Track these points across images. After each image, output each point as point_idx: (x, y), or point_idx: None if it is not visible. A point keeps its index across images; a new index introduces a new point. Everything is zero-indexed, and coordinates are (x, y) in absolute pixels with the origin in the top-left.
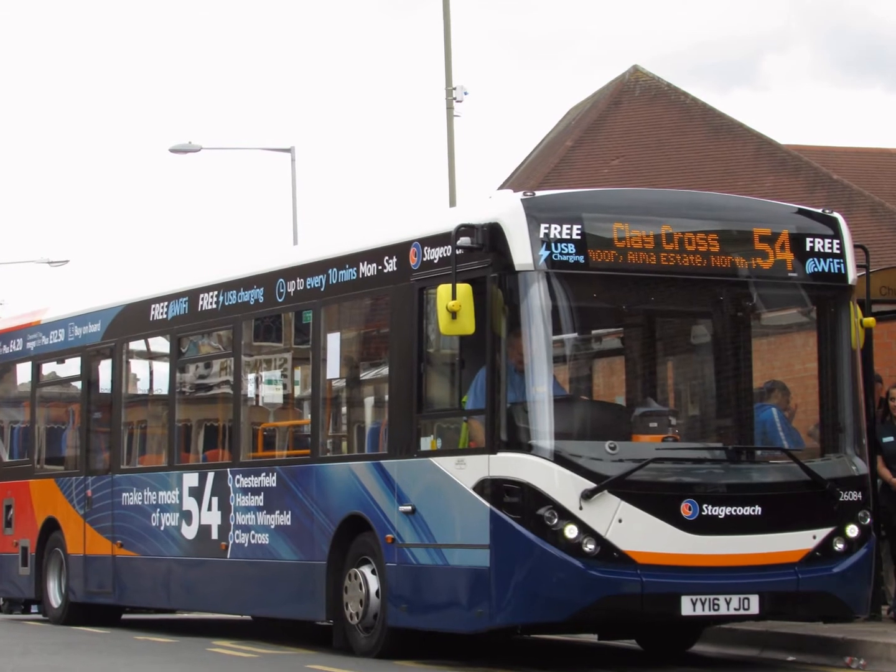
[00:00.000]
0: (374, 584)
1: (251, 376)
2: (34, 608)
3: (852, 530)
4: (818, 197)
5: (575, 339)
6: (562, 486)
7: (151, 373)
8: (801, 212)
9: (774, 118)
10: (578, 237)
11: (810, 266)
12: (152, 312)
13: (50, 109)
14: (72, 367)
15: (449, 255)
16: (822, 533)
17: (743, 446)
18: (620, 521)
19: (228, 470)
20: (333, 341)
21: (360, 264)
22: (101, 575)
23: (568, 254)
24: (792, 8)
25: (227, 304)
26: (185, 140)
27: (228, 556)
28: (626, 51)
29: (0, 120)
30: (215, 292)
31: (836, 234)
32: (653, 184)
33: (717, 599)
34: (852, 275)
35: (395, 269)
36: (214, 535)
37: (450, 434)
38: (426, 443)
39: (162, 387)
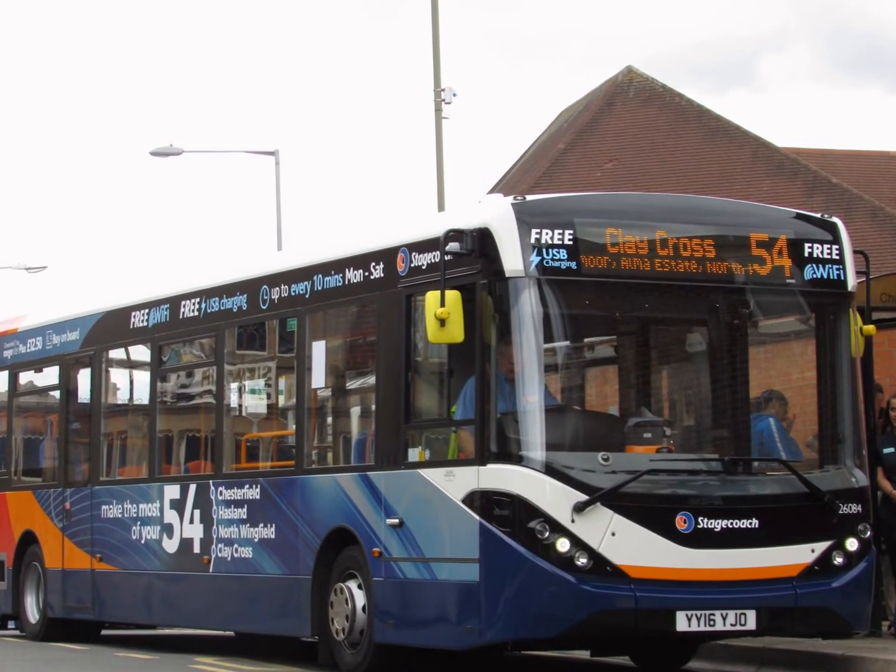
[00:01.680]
0: (360, 598)
1: (234, 385)
2: (11, 624)
3: (852, 544)
4: (817, 201)
5: (567, 348)
6: (553, 498)
7: (132, 382)
8: (799, 216)
9: (772, 120)
10: (570, 243)
11: (809, 272)
12: (132, 320)
13: (27, 112)
14: (50, 376)
15: (437, 261)
16: (821, 546)
17: (739, 457)
18: (614, 534)
19: (211, 482)
20: (319, 350)
21: (346, 270)
22: (79, 590)
23: (560, 260)
24: (790, 7)
25: (209, 311)
26: (166, 143)
27: (211, 570)
28: (620, 51)
29: None
30: (197, 299)
31: (836, 240)
32: (647, 188)
33: (713, 615)
34: (852, 281)
35: (382, 275)
36: (196, 549)
37: (438, 445)
38: (414, 454)
39: (142, 396)
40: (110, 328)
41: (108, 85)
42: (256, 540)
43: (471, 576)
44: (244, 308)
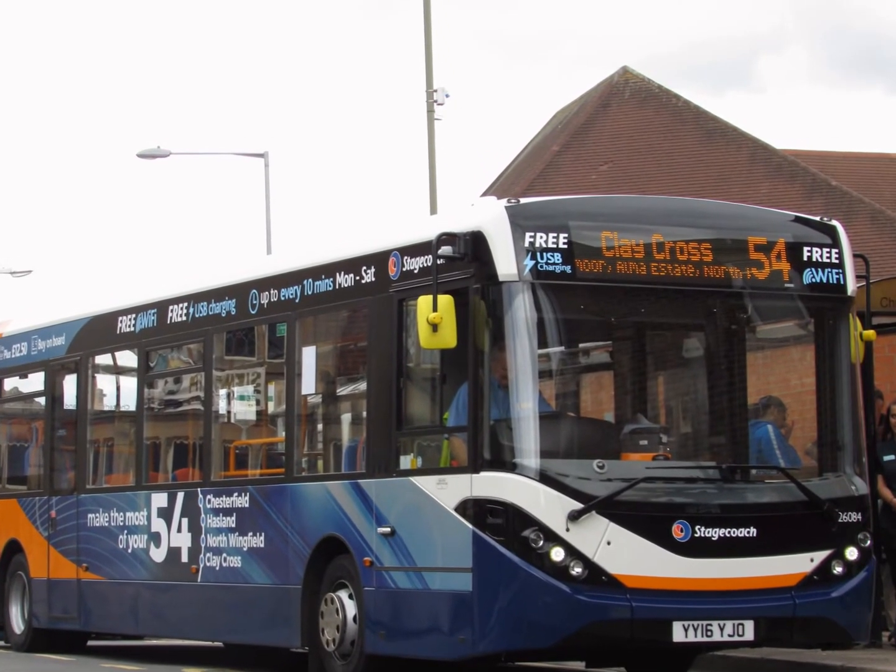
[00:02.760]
0: (351, 609)
1: (223, 392)
2: None
3: (851, 553)
4: (816, 204)
5: (561, 353)
6: (548, 506)
7: (118, 388)
8: (798, 220)
9: (770, 122)
10: (565, 246)
11: (808, 276)
12: (119, 325)
13: (12, 114)
14: (35, 382)
15: (430, 264)
16: (820, 556)
17: (737, 465)
18: (609, 543)
19: (199, 490)
20: (309, 355)
21: (337, 275)
22: (65, 600)
23: (554, 263)
24: (788, 7)
25: (197, 316)
26: (153, 145)
27: (199, 579)
28: (616, 51)
29: None
30: (185, 304)
31: (835, 243)
32: (643, 190)
33: (711, 625)
34: (851, 285)
35: (373, 279)
36: (184, 558)
37: (430, 452)
38: (406, 461)
39: (129, 403)
40: (97, 333)
41: (94, 86)
42: (245, 549)
43: (464, 585)
44: (233, 313)
